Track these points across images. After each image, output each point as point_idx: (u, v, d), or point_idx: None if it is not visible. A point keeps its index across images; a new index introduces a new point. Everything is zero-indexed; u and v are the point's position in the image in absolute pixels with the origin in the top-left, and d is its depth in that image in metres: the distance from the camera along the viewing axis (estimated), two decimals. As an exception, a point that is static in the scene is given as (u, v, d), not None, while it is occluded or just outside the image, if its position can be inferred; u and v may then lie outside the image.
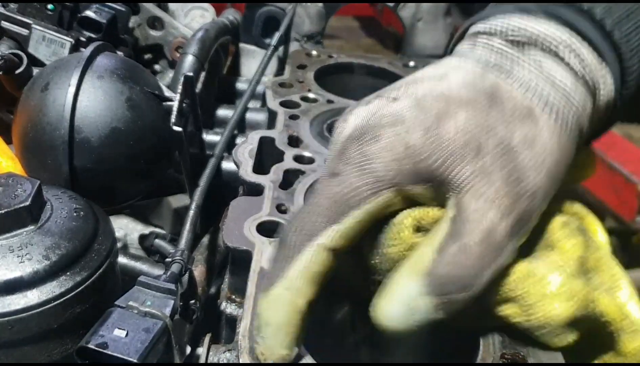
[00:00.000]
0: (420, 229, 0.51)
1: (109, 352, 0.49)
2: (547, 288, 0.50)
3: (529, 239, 0.52)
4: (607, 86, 0.54)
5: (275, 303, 0.47)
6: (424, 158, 0.49)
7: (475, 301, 0.48)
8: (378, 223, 0.51)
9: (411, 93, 0.53)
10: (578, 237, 0.54)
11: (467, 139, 0.49)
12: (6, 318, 0.55)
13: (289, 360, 0.48)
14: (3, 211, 0.58)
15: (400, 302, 0.47)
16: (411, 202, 0.52)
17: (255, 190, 0.72)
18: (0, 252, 0.57)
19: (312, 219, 0.49)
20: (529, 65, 0.52)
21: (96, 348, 0.49)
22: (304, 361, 0.50)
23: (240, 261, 0.63)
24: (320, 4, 1.27)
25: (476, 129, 0.49)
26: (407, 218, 0.51)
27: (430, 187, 0.50)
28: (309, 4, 1.26)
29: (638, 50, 0.54)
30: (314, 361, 0.50)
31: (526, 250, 0.52)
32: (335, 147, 0.54)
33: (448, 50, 0.61)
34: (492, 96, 0.51)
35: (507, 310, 0.51)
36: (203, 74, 1.04)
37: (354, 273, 0.53)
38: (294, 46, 1.28)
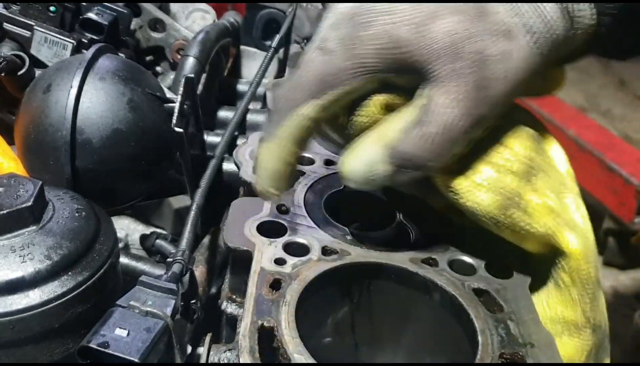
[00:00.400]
0: (389, 108, 0.58)
1: (110, 351, 0.49)
2: (477, 178, 0.58)
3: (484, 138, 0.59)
4: (587, 17, 0.57)
5: (268, 152, 0.59)
6: (409, 51, 0.54)
7: (422, 181, 0.58)
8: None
9: None
10: (529, 141, 0.61)
11: (449, 41, 0.54)
12: (8, 318, 0.55)
13: (274, 198, 0.61)
14: (5, 212, 0.58)
15: (363, 162, 0.57)
16: (386, 87, 0.58)
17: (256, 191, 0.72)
18: (2, 252, 0.57)
19: (297, 92, 0.57)
20: None
21: (97, 348, 0.50)
22: (303, 361, 0.50)
23: (241, 261, 0.63)
24: (320, 7, 1.27)
25: (459, 34, 0.54)
26: (378, 96, 0.58)
27: (408, 78, 0.56)
28: (309, 6, 1.26)
29: None
30: (314, 362, 0.50)
31: (483, 144, 0.59)
32: (330, 17, 0.58)
33: None
34: (479, 8, 0.55)
35: (449, 192, 0.59)
36: (204, 76, 1.04)
37: (337, 131, 0.62)
38: (294, 48, 1.28)
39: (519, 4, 0.56)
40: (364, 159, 0.57)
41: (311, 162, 0.79)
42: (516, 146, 0.60)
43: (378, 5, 0.55)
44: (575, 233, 0.59)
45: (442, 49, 0.54)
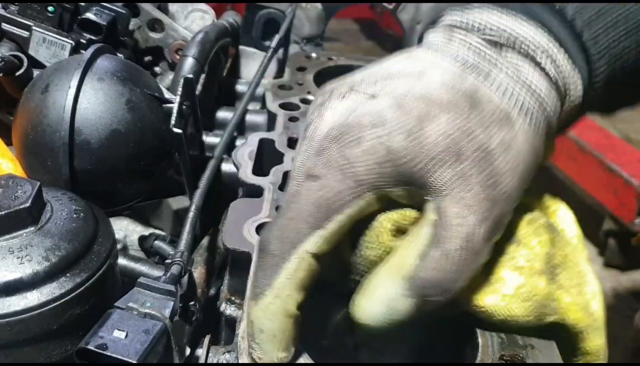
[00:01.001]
0: (399, 231, 0.52)
1: (109, 353, 0.49)
2: (506, 289, 0.52)
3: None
4: (577, 90, 0.55)
5: (267, 311, 0.48)
6: (406, 162, 0.49)
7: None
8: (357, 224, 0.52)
9: (390, 91, 0.52)
10: (544, 234, 0.56)
11: (448, 143, 0.49)
12: (6, 320, 0.55)
13: (287, 360, 0.50)
14: (3, 213, 0.58)
15: (381, 302, 0.49)
16: (389, 203, 0.52)
17: (255, 192, 0.72)
18: (0, 253, 0.57)
19: (295, 226, 0.49)
20: (506, 68, 0.53)
21: (96, 350, 0.49)
22: (302, 361, 0.50)
23: (240, 262, 0.63)
24: (320, 7, 1.27)
25: (457, 132, 0.50)
26: (386, 221, 0.52)
27: (410, 189, 0.51)
28: (308, 6, 1.26)
29: (605, 53, 0.54)
30: (313, 362, 0.50)
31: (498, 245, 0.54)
32: (311, 145, 0.52)
33: (418, 37, 0.61)
34: (472, 98, 0.51)
35: (479, 311, 0.54)
36: (203, 76, 1.04)
37: (331, 269, 0.53)
38: (293, 49, 1.28)
39: (510, 80, 0.52)
40: (382, 297, 0.49)
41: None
42: (533, 242, 0.55)
43: (363, 119, 0.51)
44: (598, 332, 0.55)
45: (440, 154, 0.49)
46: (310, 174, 0.50)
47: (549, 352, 0.54)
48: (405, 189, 0.51)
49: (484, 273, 0.53)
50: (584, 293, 0.55)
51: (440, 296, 0.49)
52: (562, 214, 0.60)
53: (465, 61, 0.54)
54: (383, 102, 0.51)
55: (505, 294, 0.52)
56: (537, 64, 0.53)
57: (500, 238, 0.53)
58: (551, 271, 0.54)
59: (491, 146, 0.50)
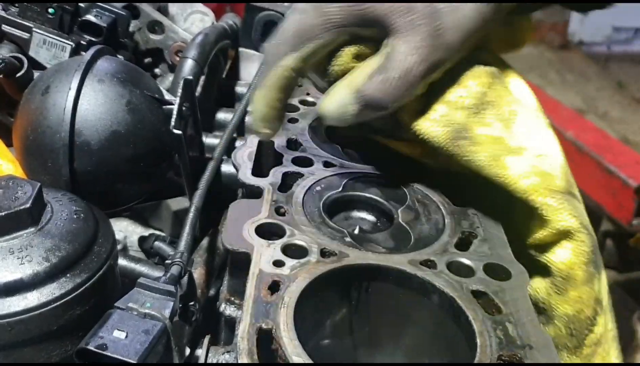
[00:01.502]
0: (359, 57, 0.69)
1: (109, 353, 0.49)
2: (432, 115, 0.68)
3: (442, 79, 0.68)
4: None
5: (258, 98, 0.71)
6: (369, 7, 0.64)
7: (391, 117, 0.69)
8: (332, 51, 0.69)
9: None
10: (484, 78, 0.69)
11: None
12: (6, 320, 0.55)
13: (269, 135, 0.74)
14: (3, 213, 0.58)
15: (336, 103, 0.68)
16: (358, 40, 0.68)
17: (254, 193, 0.72)
18: (1, 254, 0.57)
19: (279, 47, 0.68)
20: None
21: (96, 350, 0.50)
22: (301, 362, 0.50)
23: (239, 263, 0.63)
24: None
25: None
26: (351, 47, 0.69)
27: (374, 30, 0.66)
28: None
29: None
30: (312, 362, 0.50)
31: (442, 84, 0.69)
32: None
33: None
34: None
35: (411, 130, 0.69)
36: (203, 78, 1.04)
37: (316, 81, 0.74)
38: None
39: None
40: (337, 101, 0.68)
41: (310, 164, 0.79)
42: (470, 83, 0.69)
43: None
44: (517, 156, 0.66)
45: (397, 5, 0.64)
46: (296, 8, 0.68)
47: (547, 353, 0.54)
48: (370, 29, 0.66)
49: (423, 104, 0.68)
50: (510, 128, 0.67)
51: (376, 109, 0.66)
52: (514, 83, 0.72)
53: None
54: None
55: (433, 119, 0.68)
56: None
57: (446, 80, 0.68)
58: (478, 106, 0.68)
59: (439, 6, 0.64)
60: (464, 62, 0.69)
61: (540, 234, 0.66)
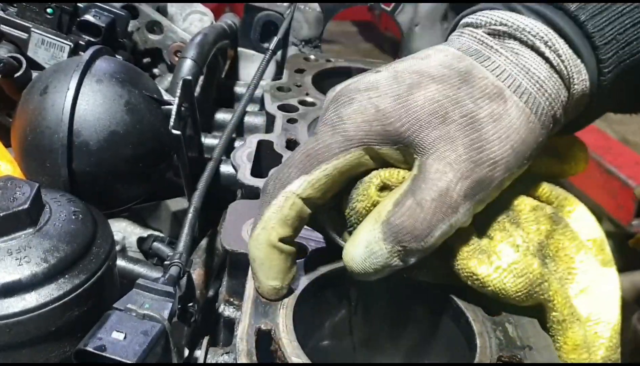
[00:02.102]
0: (387, 187, 0.56)
1: (107, 355, 0.49)
2: (500, 262, 0.54)
3: (497, 215, 0.58)
4: (581, 76, 0.57)
5: (255, 241, 0.54)
6: (392, 121, 0.54)
7: (439, 257, 0.55)
8: (353, 181, 0.56)
9: (393, 67, 0.58)
10: (545, 224, 0.58)
11: (434, 107, 0.54)
12: (4, 321, 0.55)
13: (280, 293, 0.55)
14: (2, 214, 0.58)
15: (362, 246, 0.52)
16: (384, 164, 0.56)
17: (254, 193, 0.72)
18: (-1, 255, 0.57)
19: (287, 171, 0.55)
20: (505, 52, 0.56)
21: (94, 351, 0.49)
22: (301, 361, 0.50)
23: (238, 264, 0.63)
24: (318, 9, 1.27)
25: (444, 99, 0.54)
26: (375, 177, 0.56)
27: (398, 149, 0.55)
28: (307, 8, 1.26)
29: (612, 42, 0.56)
30: (310, 362, 0.50)
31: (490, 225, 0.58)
32: (322, 111, 0.60)
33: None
34: (465, 74, 0.55)
35: (470, 278, 0.55)
36: (202, 78, 1.04)
37: (338, 227, 0.59)
38: (292, 51, 1.29)
39: (507, 62, 0.56)
40: (361, 242, 0.52)
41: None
42: (532, 227, 0.58)
43: (361, 84, 0.57)
44: (580, 328, 0.56)
45: (426, 116, 0.53)
46: (312, 133, 0.59)
47: (547, 354, 0.54)
48: (394, 148, 0.55)
49: (480, 244, 0.56)
50: (568, 288, 0.57)
51: (414, 243, 0.51)
52: (577, 215, 0.61)
53: (468, 47, 0.58)
54: (383, 74, 0.57)
55: (499, 266, 0.54)
56: (537, 51, 0.56)
57: (501, 217, 0.57)
58: (542, 259, 0.57)
59: (479, 115, 0.53)
60: (516, 189, 0.58)
61: None
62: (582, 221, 0.61)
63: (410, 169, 0.55)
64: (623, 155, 3.12)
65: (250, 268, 0.56)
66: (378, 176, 0.56)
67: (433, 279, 0.58)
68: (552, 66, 0.56)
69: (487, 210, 0.56)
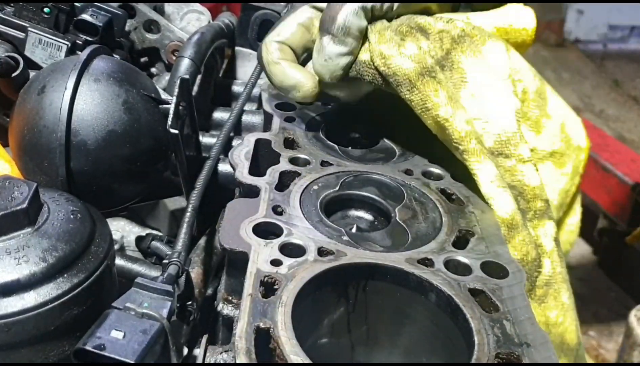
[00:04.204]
0: None
1: (107, 354, 0.49)
2: (404, 50, 0.76)
3: (412, 26, 0.78)
4: None
5: (267, 49, 0.82)
6: None
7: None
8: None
9: None
10: (447, 44, 0.77)
11: None
12: (3, 321, 0.55)
13: (311, 91, 0.80)
14: (0, 214, 0.58)
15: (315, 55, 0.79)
16: None
17: (252, 192, 0.72)
18: (-2, 254, 0.57)
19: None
20: None
21: (93, 350, 0.50)
22: (299, 360, 0.50)
23: (237, 262, 0.63)
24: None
25: None
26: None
27: None
28: (304, 7, 1.26)
29: None
30: (310, 362, 0.50)
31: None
32: None
33: None
34: None
35: (380, 58, 0.76)
36: (199, 77, 1.04)
37: None
38: (289, 49, 1.28)
39: None
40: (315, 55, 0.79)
41: (307, 163, 0.79)
42: (437, 43, 0.76)
43: None
44: (455, 109, 0.73)
45: None
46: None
47: (545, 350, 0.54)
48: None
49: (394, 39, 0.77)
50: (457, 91, 0.76)
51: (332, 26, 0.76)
52: (490, 45, 0.79)
53: None
54: None
55: (402, 53, 0.76)
56: None
57: (415, 27, 0.78)
58: (442, 63, 0.77)
59: None
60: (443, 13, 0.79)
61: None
62: (491, 52, 0.78)
63: None
64: (619, 152, 3.12)
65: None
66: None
67: (347, 97, 0.84)
68: None
69: (407, 20, 0.78)
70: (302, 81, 0.80)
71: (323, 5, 0.80)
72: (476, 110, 0.75)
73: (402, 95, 0.76)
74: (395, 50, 0.75)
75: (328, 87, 0.82)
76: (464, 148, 0.72)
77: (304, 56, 0.84)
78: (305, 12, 0.82)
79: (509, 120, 0.75)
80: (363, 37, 0.78)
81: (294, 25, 0.82)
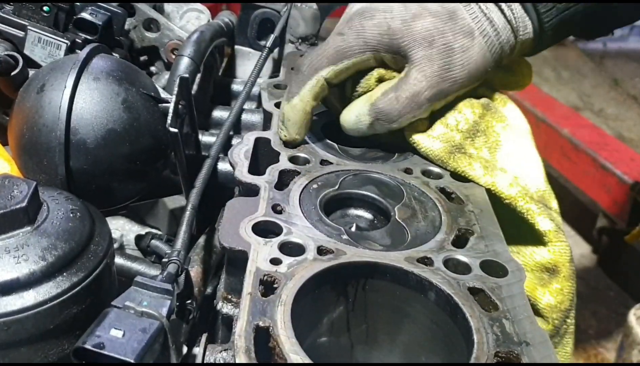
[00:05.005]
0: (381, 80, 0.83)
1: (106, 352, 0.49)
2: (432, 132, 0.82)
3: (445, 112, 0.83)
4: (527, 29, 0.81)
5: (293, 108, 0.81)
6: (398, 38, 0.79)
7: (399, 135, 0.83)
8: (358, 73, 0.83)
9: (405, 2, 0.81)
10: (478, 108, 0.83)
11: (426, 34, 0.78)
12: (2, 319, 0.55)
13: (298, 142, 0.82)
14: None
15: (353, 114, 0.82)
16: (383, 66, 0.82)
17: (251, 191, 0.72)
18: (-3, 253, 0.57)
19: (319, 60, 0.81)
20: (479, 6, 0.80)
21: (93, 349, 0.50)
22: (299, 361, 0.50)
23: (236, 261, 0.63)
24: (315, 7, 1.27)
25: (432, 30, 0.78)
26: (376, 72, 0.83)
27: (395, 57, 0.80)
28: (303, 6, 1.26)
29: (552, 10, 0.80)
30: (310, 362, 0.50)
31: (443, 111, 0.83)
32: (345, 17, 0.83)
33: None
34: (451, 13, 0.79)
35: (412, 143, 0.83)
36: (199, 76, 1.04)
37: (338, 101, 0.87)
38: (288, 48, 1.28)
39: (480, 13, 0.79)
40: (354, 112, 0.82)
41: (307, 162, 0.79)
42: (466, 111, 0.82)
43: (380, 5, 0.81)
44: (503, 173, 0.78)
45: (420, 40, 0.78)
46: (338, 32, 0.81)
47: (544, 349, 0.54)
48: (393, 56, 0.80)
49: (426, 126, 0.82)
50: (494, 154, 0.80)
51: (386, 122, 0.80)
52: (510, 106, 0.86)
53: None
54: (398, 3, 0.81)
55: (430, 135, 0.82)
56: (500, 8, 0.79)
57: (446, 108, 0.82)
58: (473, 133, 0.82)
59: (454, 46, 0.78)
60: (465, 94, 0.83)
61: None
62: (513, 111, 0.86)
63: (400, 72, 0.81)
64: (619, 151, 3.13)
65: (279, 123, 0.82)
66: (378, 72, 0.82)
67: (393, 140, 0.84)
68: (507, 20, 0.79)
69: (440, 110, 0.83)
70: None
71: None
72: (516, 169, 0.79)
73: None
74: (422, 136, 0.81)
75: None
76: (520, 208, 0.75)
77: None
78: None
79: (541, 177, 0.80)
80: None
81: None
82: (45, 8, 0.95)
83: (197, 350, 0.57)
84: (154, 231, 0.98)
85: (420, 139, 0.81)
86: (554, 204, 0.78)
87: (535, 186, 0.78)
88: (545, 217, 0.74)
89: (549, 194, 0.78)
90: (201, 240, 0.85)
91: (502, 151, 0.81)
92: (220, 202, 0.73)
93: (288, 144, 0.82)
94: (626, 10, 0.84)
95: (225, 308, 0.66)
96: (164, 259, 0.62)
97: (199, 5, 1.21)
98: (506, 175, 0.78)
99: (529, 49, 0.85)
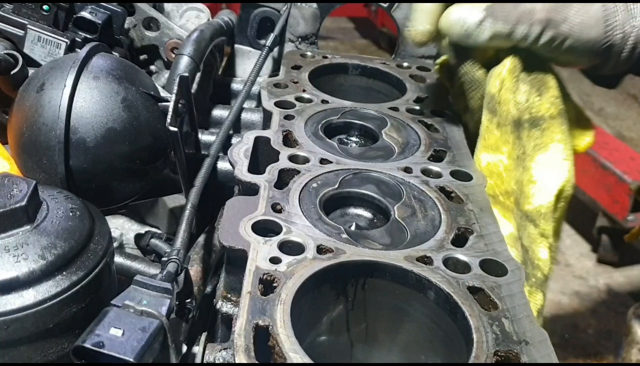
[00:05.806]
0: None
1: (106, 351, 0.49)
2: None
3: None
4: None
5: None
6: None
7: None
8: None
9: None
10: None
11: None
12: (2, 318, 0.55)
13: (430, 35, 0.86)
14: (-1, 211, 0.58)
15: (466, 8, 0.83)
16: None
17: (251, 190, 0.72)
18: (-3, 252, 0.57)
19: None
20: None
21: (92, 348, 0.50)
22: (298, 360, 0.50)
23: (236, 260, 0.63)
24: (315, 5, 1.27)
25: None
26: None
27: None
28: (303, 5, 1.26)
29: None
30: (309, 361, 0.50)
31: None
32: None
33: None
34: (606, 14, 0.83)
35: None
36: (198, 75, 1.04)
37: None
38: (288, 47, 1.28)
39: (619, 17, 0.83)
40: (467, 5, 0.83)
41: (306, 161, 0.79)
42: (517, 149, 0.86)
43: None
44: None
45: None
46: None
47: (543, 348, 0.54)
48: None
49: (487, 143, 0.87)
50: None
51: (500, 21, 0.82)
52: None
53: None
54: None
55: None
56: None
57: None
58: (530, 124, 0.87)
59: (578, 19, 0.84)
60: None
61: None
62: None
63: None
64: (618, 150, 3.12)
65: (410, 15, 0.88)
66: None
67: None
68: (628, 10, 0.82)
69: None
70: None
71: None
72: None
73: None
74: (511, 95, 0.86)
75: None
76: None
77: None
78: None
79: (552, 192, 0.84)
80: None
81: None
82: (45, 7, 0.95)
83: (197, 349, 0.57)
84: (153, 230, 0.98)
85: (507, 98, 0.85)
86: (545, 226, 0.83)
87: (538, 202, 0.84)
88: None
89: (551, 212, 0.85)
90: (201, 239, 0.85)
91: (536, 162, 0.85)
92: (220, 201, 0.73)
93: (418, 42, 0.86)
94: None
95: (224, 307, 0.66)
96: (163, 258, 0.62)
97: (198, 4, 1.21)
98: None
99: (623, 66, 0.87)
